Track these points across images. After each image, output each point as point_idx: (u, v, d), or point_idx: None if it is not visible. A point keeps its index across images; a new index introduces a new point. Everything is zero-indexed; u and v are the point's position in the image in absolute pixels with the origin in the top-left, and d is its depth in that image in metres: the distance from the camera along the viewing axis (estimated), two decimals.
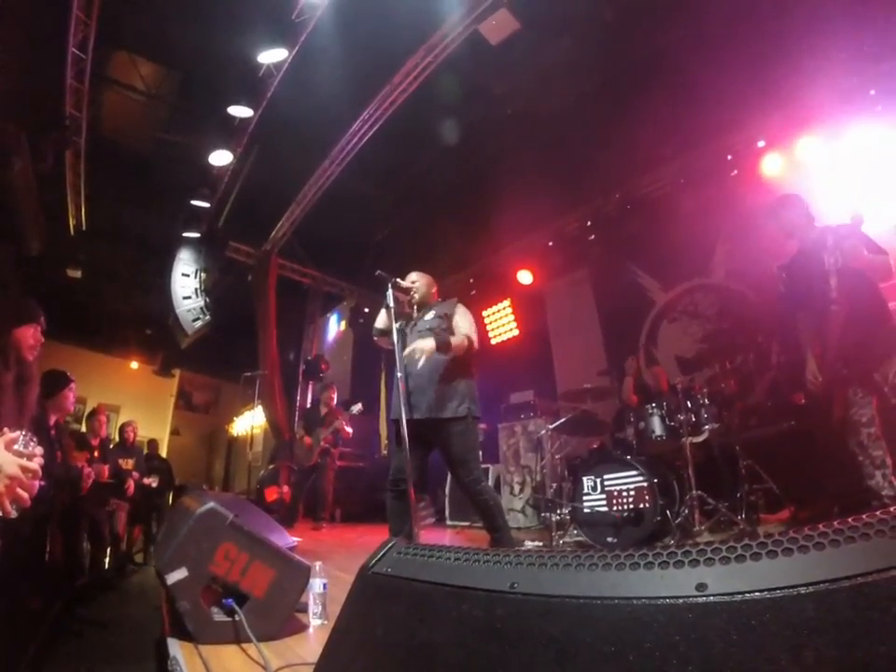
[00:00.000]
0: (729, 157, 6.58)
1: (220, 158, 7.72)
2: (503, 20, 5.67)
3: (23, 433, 1.48)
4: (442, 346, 3.51)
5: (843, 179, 5.52)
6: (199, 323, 9.21)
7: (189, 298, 9.20)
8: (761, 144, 6.36)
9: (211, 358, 13.05)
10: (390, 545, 1.10)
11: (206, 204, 8.67)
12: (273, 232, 9.88)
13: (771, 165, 6.22)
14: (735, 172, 6.55)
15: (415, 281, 3.93)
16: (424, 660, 0.84)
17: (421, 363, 3.54)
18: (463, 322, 3.76)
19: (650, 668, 0.59)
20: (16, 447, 1.44)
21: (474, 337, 3.70)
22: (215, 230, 9.31)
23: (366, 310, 10.80)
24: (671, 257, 7.08)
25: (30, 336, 2.62)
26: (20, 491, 1.38)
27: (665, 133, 6.29)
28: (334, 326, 12.63)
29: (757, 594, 0.58)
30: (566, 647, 0.66)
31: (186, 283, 9.24)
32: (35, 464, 1.44)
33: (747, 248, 6.14)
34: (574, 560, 0.74)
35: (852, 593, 0.56)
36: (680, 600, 0.61)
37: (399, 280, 3.75)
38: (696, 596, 0.61)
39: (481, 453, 7.43)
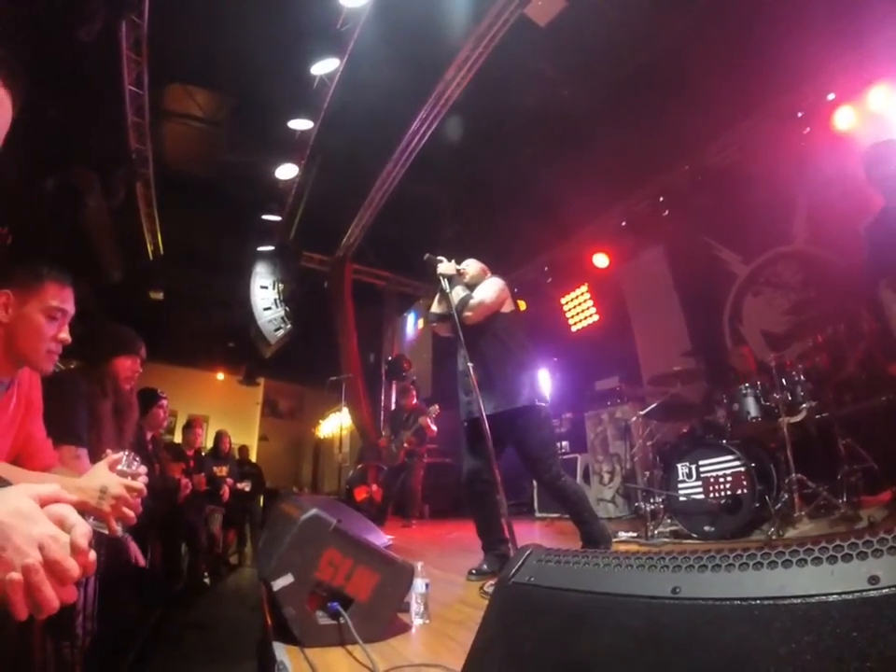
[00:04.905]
0: (799, 114, 6.17)
1: (286, 171, 7.94)
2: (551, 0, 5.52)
3: (126, 453, 1.53)
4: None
5: None
6: (280, 332, 9.51)
7: (270, 309, 9.51)
8: (831, 97, 5.97)
9: (293, 366, 13.42)
10: (528, 553, 1.05)
11: (277, 218, 8.95)
12: (345, 239, 10.07)
13: (844, 119, 5.82)
14: (808, 129, 6.15)
15: (468, 265, 3.82)
16: None
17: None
18: (481, 288, 3.64)
19: (829, 668, 0.56)
20: (120, 467, 1.49)
21: (488, 301, 3.56)
22: (287, 241, 9.59)
23: None
24: (749, 226, 6.72)
25: (127, 367, 2.73)
26: (125, 510, 1.43)
27: (730, 97, 5.98)
28: (412, 324, 12.74)
29: None
30: (738, 653, 0.62)
31: (265, 295, 9.55)
32: (140, 483, 1.49)
33: (829, 209, 5.73)
34: (736, 560, 0.69)
35: None
36: (854, 595, 0.58)
37: (441, 258, 3.65)
38: (869, 590, 0.57)
39: (567, 443, 7.42)
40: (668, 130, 6.49)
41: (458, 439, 3.83)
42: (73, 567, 0.64)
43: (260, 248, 9.56)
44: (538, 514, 7.18)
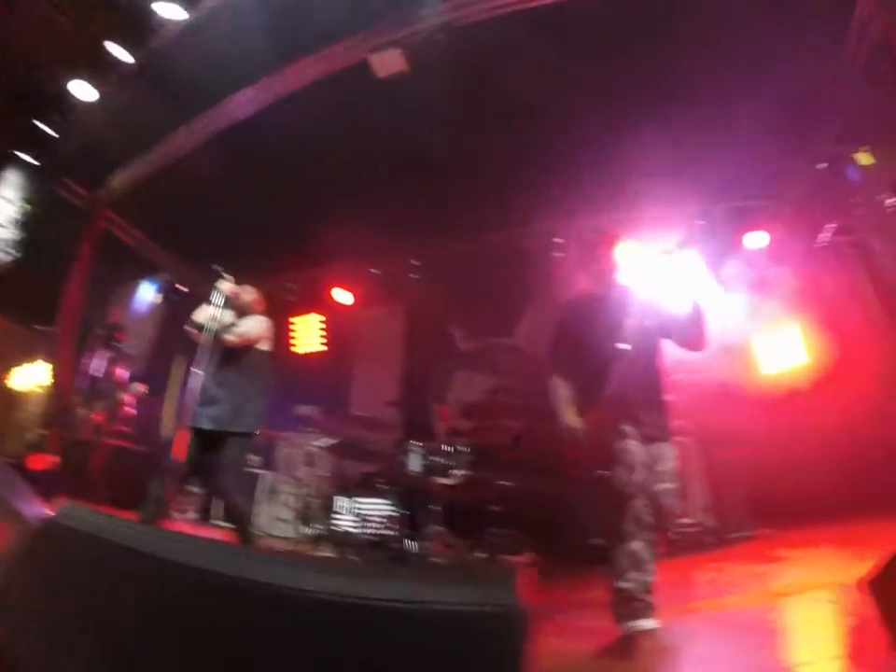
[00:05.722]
0: (558, 240, 7.23)
1: (84, 91, 7.28)
2: (395, 59, 5.94)
3: None
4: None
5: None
6: (3, 256, 8.41)
7: (2, 227, 8.40)
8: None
9: (6, 295, 11.70)
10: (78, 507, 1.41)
11: (52, 132, 8.04)
12: (112, 183, 9.30)
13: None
14: (561, 255, 7.20)
15: (245, 292, 4.22)
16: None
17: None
18: (248, 322, 4.07)
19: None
20: None
21: (249, 335, 4.01)
22: (54, 162, 8.59)
23: (183, 288, 10.32)
24: (483, 314, 7.65)
25: None
26: None
27: (508, 202, 6.87)
28: (147, 296, 11.62)
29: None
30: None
31: (3, 208, 8.43)
32: None
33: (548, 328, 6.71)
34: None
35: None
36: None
37: (227, 278, 3.99)
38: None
39: (259, 457, 7.47)
40: (448, 208, 7.19)
41: (155, 428, 4.05)
42: None
43: (21, 154, 8.46)
44: (212, 521, 7.12)
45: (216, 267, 3.94)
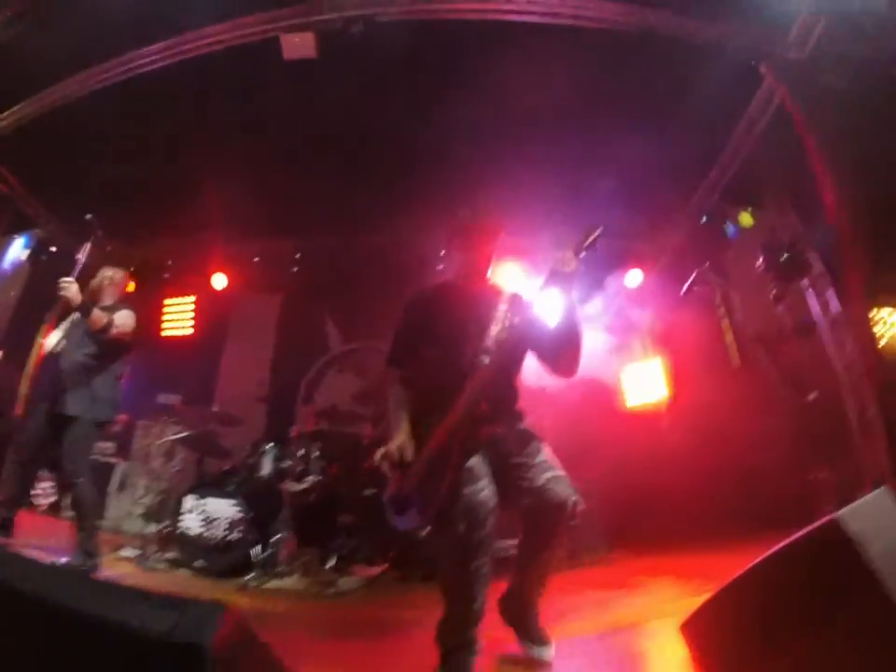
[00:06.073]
0: (442, 253, 7.30)
1: None
2: (306, 42, 5.71)
3: None
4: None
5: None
6: None
7: None
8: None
9: None
10: None
11: None
12: None
13: None
14: (441, 268, 7.37)
15: (111, 276, 4.33)
16: None
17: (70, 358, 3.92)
18: (124, 318, 4.04)
19: None
20: None
21: (125, 329, 4.02)
22: None
23: (52, 248, 9.43)
24: (359, 315, 7.60)
25: None
26: None
27: (406, 208, 6.80)
28: (16, 251, 10.29)
29: None
30: None
31: None
32: None
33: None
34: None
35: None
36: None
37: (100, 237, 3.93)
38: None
39: (114, 444, 7.03)
40: (336, 202, 7.03)
41: (8, 400, 3.91)
42: None
43: None
44: (70, 512, 6.52)
45: (88, 216, 3.79)
